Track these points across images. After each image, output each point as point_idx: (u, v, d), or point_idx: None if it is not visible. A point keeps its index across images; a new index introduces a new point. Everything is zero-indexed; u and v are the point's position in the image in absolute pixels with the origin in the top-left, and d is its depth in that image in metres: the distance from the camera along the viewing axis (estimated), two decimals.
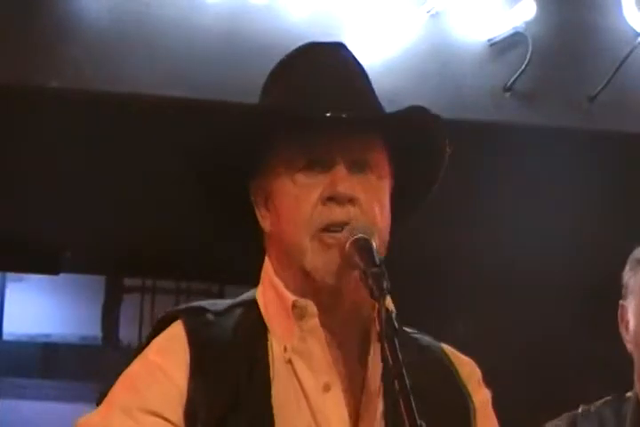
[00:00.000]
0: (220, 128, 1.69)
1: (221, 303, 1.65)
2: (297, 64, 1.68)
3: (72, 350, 7.62)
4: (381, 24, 3.66)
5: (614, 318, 2.42)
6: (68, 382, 7.50)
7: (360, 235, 1.52)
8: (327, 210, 1.54)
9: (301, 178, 1.57)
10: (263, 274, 1.66)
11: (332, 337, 1.58)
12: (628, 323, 2.30)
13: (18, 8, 3.54)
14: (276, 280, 1.62)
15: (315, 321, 1.56)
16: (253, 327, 1.59)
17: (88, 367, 7.41)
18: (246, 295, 1.67)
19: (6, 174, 4.49)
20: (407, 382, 1.37)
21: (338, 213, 1.54)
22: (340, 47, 1.70)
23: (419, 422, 1.34)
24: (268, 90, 1.68)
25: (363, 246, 1.51)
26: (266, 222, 1.63)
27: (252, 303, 1.64)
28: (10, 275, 7.42)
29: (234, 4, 3.62)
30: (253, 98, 3.83)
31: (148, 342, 1.61)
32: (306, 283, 1.57)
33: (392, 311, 1.58)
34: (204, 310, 1.62)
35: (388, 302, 1.59)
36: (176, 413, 1.50)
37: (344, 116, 1.55)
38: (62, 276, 6.13)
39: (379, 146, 1.60)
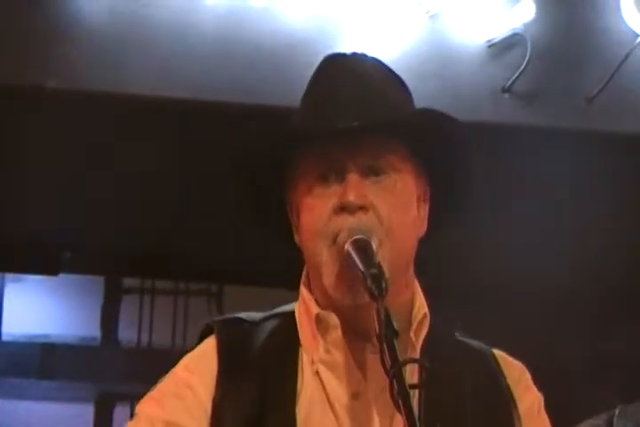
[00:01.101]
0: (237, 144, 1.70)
1: (260, 314, 1.67)
2: (318, 76, 1.68)
3: (71, 350, 7.62)
4: (380, 25, 3.66)
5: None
6: (66, 382, 7.50)
7: (359, 236, 1.51)
8: (340, 220, 1.54)
9: (317, 189, 1.57)
10: (300, 285, 1.66)
11: (359, 347, 1.58)
12: None
13: (16, 9, 3.54)
14: (306, 292, 1.63)
15: (337, 333, 1.57)
16: (286, 339, 1.61)
17: (87, 368, 7.41)
18: (288, 306, 1.68)
19: (6, 174, 4.49)
20: (406, 383, 1.37)
21: (350, 222, 1.53)
22: (361, 56, 1.72)
23: (417, 423, 1.34)
24: (301, 101, 1.69)
25: (361, 247, 1.50)
26: (296, 235, 1.64)
27: (290, 315, 1.64)
28: (9, 275, 7.42)
29: (232, 6, 3.63)
30: (251, 98, 3.85)
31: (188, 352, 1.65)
32: (327, 297, 1.57)
33: (426, 314, 1.61)
34: (240, 321, 1.64)
35: (423, 303, 1.62)
36: (199, 426, 1.53)
37: (338, 126, 1.54)
38: (61, 276, 6.13)
39: (395, 149, 1.59)
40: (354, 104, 1.58)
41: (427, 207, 1.64)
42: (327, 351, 1.57)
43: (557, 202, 4.44)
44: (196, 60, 3.59)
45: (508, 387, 1.65)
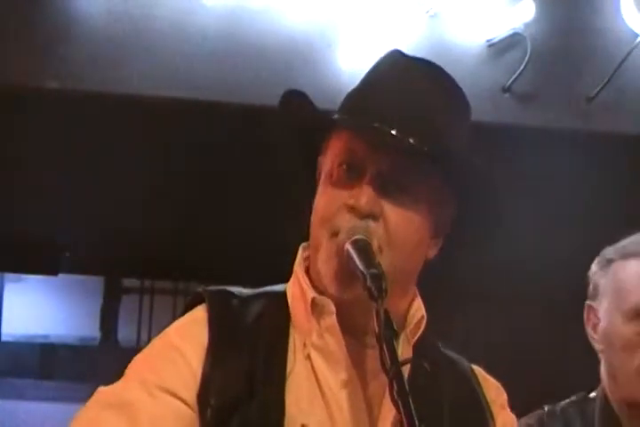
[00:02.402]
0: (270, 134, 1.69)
1: (249, 290, 1.66)
2: (376, 70, 1.66)
3: (70, 350, 7.63)
4: (379, 25, 3.66)
5: None
6: (66, 382, 7.50)
7: (359, 236, 1.51)
8: (347, 218, 1.54)
9: (337, 177, 1.57)
10: (295, 266, 1.66)
11: (352, 336, 1.58)
12: (597, 323, 2.30)
13: (17, 9, 3.54)
14: (302, 275, 1.62)
15: (332, 319, 1.56)
16: (278, 318, 1.60)
17: (86, 368, 7.41)
18: (277, 286, 1.67)
19: (6, 174, 4.49)
20: (405, 383, 1.37)
21: (357, 224, 1.53)
22: (424, 63, 1.67)
23: (417, 423, 1.34)
24: (357, 86, 1.67)
25: (361, 247, 1.50)
26: (313, 206, 1.63)
27: (281, 294, 1.64)
28: (9, 275, 7.43)
29: (232, 6, 3.63)
30: (251, 99, 3.84)
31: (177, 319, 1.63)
32: (322, 282, 1.57)
33: (423, 316, 1.61)
34: (231, 295, 1.63)
35: (420, 306, 1.62)
36: (190, 394, 1.51)
37: (355, 126, 1.54)
38: (61, 276, 6.14)
39: (423, 170, 1.56)
40: (401, 115, 1.56)
41: (443, 235, 1.63)
42: (320, 337, 1.57)
43: (557, 202, 4.45)
44: (195, 60, 3.59)
45: (486, 403, 1.66)
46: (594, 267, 2.38)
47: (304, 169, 1.68)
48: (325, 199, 1.57)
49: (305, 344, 1.57)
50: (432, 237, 1.61)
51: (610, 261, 2.34)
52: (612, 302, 2.27)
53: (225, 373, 1.52)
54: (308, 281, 1.60)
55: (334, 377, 1.56)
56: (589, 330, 2.32)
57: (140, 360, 1.58)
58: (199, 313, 1.60)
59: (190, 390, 1.51)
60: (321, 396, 1.55)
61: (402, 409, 1.35)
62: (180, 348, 1.55)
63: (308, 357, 1.56)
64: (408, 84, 1.60)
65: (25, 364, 7.44)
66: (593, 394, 2.33)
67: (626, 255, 2.31)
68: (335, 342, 1.56)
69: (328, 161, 1.60)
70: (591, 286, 2.36)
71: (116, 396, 1.52)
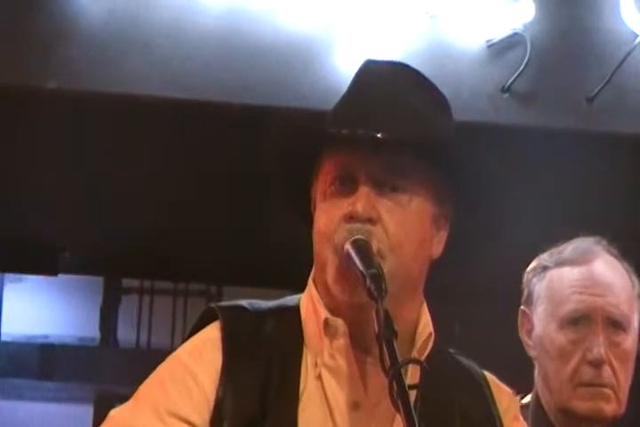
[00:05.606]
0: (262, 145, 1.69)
1: (264, 305, 1.64)
2: (354, 82, 1.66)
3: (70, 351, 7.62)
4: (380, 26, 3.66)
5: None
6: (65, 383, 7.51)
7: (358, 236, 1.51)
8: (348, 228, 1.53)
9: (331, 194, 1.57)
10: (308, 283, 1.65)
11: (363, 355, 1.57)
12: (531, 329, 2.28)
13: (17, 9, 3.55)
14: (315, 294, 1.61)
15: (344, 340, 1.55)
16: (291, 336, 1.59)
17: (86, 368, 7.42)
18: (290, 299, 1.66)
19: (6, 175, 4.49)
20: (406, 384, 1.37)
21: (356, 227, 1.52)
22: (394, 65, 1.68)
23: (417, 424, 1.33)
24: (337, 102, 1.67)
25: (361, 247, 1.50)
26: (313, 229, 1.62)
27: (295, 310, 1.63)
28: (8, 275, 7.42)
29: (232, 6, 3.63)
30: (251, 99, 3.84)
31: (188, 336, 1.62)
32: (332, 298, 1.56)
33: (431, 333, 1.59)
34: (244, 311, 1.61)
35: (428, 321, 1.61)
36: (202, 418, 1.51)
37: (346, 132, 1.54)
38: (61, 277, 6.12)
39: (419, 169, 1.57)
40: (381, 117, 1.56)
41: (445, 231, 1.63)
42: (332, 357, 1.56)
43: (557, 202, 4.45)
44: (195, 60, 3.59)
45: (497, 413, 1.65)
46: (529, 273, 2.36)
47: (295, 198, 1.68)
48: (324, 216, 1.57)
49: (316, 363, 1.56)
50: (434, 234, 1.61)
51: (545, 268, 2.32)
52: (546, 309, 2.25)
53: (238, 395, 1.52)
54: (319, 299, 1.59)
55: (345, 399, 1.55)
56: (523, 336, 2.30)
57: (153, 382, 1.57)
58: (212, 333, 1.59)
59: (203, 414, 1.51)
60: (331, 418, 1.54)
61: (402, 409, 1.34)
62: (194, 371, 1.54)
63: (320, 377, 1.56)
64: (385, 86, 1.60)
65: (25, 364, 7.43)
66: (526, 400, 2.30)
67: (561, 263, 2.29)
68: (347, 363, 1.55)
69: (320, 184, 1.60)
70: (526, 292, 2.34)
71: (127, 423, 1.52)
